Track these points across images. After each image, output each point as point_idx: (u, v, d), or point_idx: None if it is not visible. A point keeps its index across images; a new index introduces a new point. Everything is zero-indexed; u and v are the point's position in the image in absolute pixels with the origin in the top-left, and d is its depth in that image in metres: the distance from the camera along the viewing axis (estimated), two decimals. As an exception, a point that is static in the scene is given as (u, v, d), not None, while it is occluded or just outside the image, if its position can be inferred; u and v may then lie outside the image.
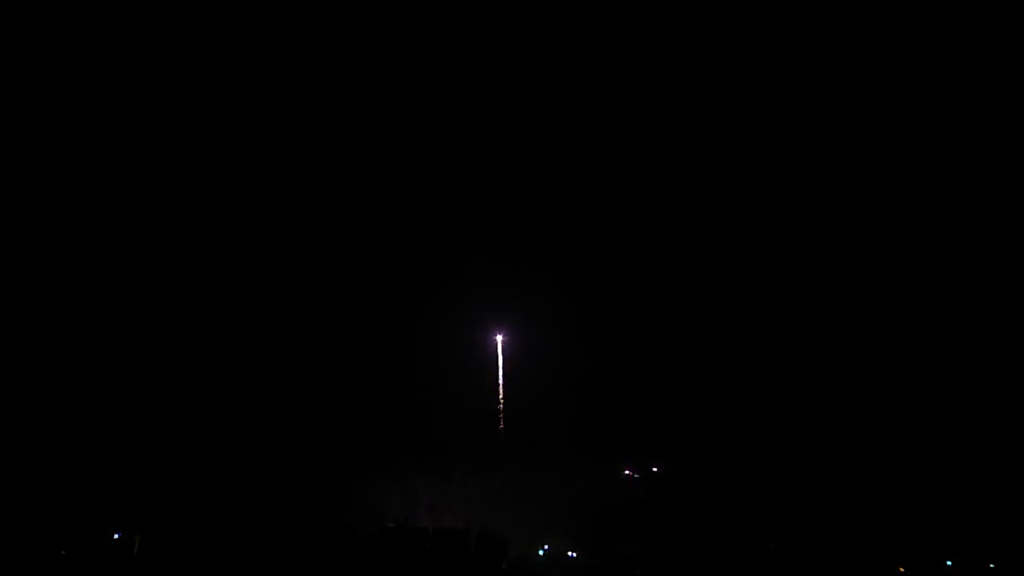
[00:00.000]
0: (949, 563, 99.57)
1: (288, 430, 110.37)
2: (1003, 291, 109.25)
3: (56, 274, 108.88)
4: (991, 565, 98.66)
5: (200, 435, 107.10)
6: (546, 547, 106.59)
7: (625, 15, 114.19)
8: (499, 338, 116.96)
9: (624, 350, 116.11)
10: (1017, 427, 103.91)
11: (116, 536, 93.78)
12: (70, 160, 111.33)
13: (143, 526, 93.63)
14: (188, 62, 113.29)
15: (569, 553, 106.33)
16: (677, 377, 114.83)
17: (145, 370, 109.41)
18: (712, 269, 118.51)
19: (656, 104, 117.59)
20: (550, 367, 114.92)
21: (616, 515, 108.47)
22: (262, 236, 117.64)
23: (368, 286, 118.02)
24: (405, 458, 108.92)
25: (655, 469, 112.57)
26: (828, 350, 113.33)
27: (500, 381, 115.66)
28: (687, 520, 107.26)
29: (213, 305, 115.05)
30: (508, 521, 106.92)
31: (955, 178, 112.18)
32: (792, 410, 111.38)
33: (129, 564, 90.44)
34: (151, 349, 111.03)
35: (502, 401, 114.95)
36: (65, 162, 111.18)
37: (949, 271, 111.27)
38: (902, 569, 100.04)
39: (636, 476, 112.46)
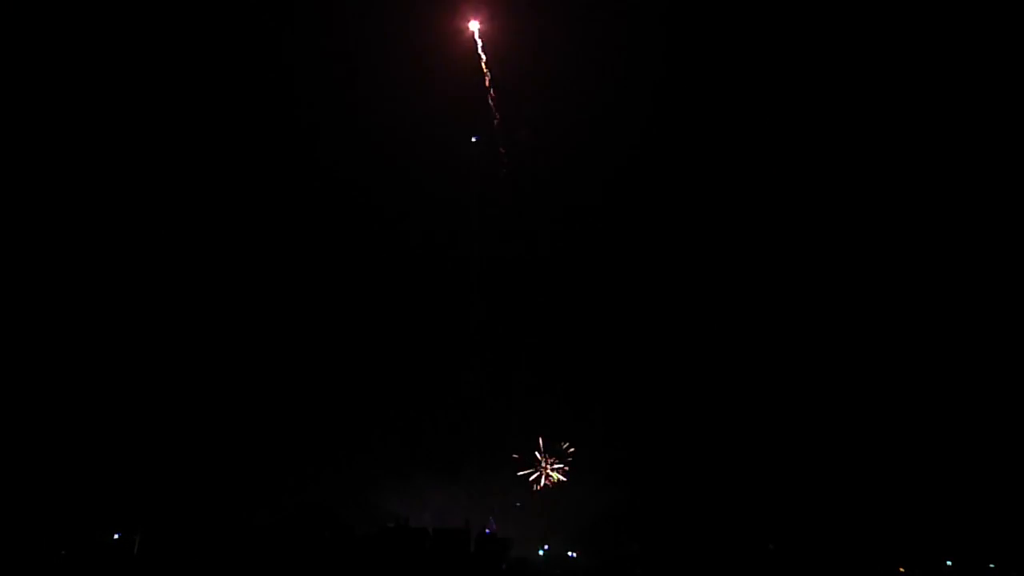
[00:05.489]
0: (949, 563, 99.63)
1: (288, 430, 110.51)
2: (1003, 292, 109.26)
3: (57, 275, 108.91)
4: (991, 565, 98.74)
5: (201, 435, 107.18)
6: (546, 547, 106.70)
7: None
8: None
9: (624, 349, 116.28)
10: (1017, 427, 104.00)
11: (116, 536, 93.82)
12: (70, 161, 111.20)
13: (143, 526, 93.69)
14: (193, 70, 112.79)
15: (569, 553, 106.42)
16: (678, 376, 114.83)
17: (146, 371, 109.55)
18: (711, 269, 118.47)
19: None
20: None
21: (616, 515, 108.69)
22: (266, 237, 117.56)
23: (373, 286, 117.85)
24: (412, 459, 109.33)
25: None
26: (828, 350, 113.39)
27: None
28: (687, 520, 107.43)
29: (216, 306, 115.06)
30: (510, 521, 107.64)
31: (955, 178, 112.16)
32: (792, 410, 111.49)
33: (129, 564, 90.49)
34: (152, 350, 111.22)
35: None
36: (65, 163, 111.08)
37: (949, 271, 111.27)
38: (902, 569, 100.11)
39: None
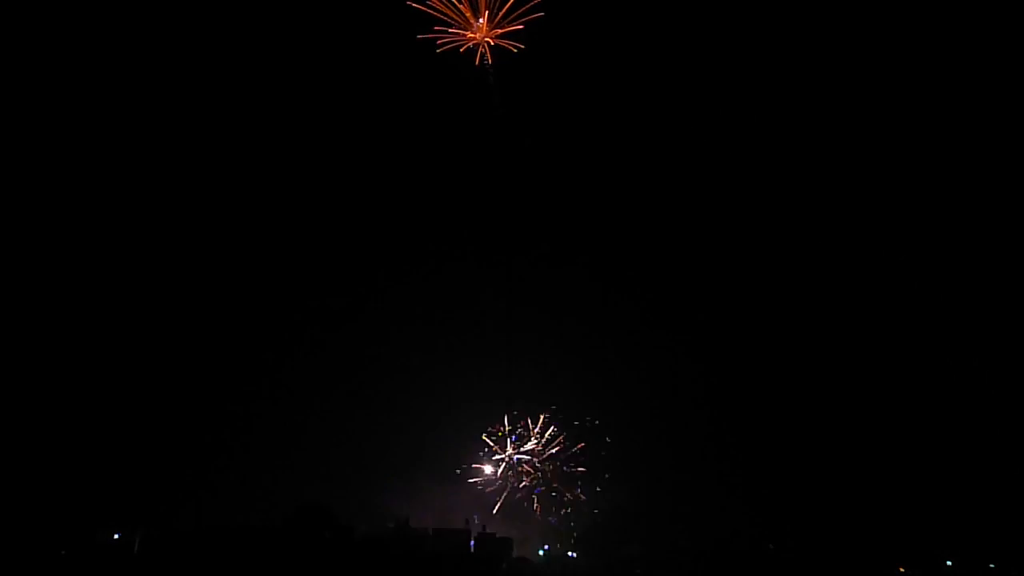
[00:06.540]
0: (949, 563, 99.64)
1: (289, 430, 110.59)
2: (1003, 291, 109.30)
3: (55, 275, 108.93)
4: (991, 565, 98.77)
5: (200, 435, 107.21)
6: (546, 547, 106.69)
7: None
8: None
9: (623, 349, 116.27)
10: (1017, 427, 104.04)
11: (116, 536, 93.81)
12: (69, 160, 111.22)
13: (143, 526, 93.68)
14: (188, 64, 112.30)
15: (569, 553, 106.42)
16: (678, 376, 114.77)
17: (145, 370, 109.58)
18: (709, 269, 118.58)
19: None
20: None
21: (617, 516, 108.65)
22: (260, 235, 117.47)
23: (374, 282, 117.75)
24: (413, 459, 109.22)
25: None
26: (828, 350, 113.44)
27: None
28: (688, 520, 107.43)
29: (213, 305, 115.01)
30: (510, 521, 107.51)
31: (955, 178, 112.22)
32: (792, 410, 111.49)
33: (129, 564, 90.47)
34: (151, 349, 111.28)
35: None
36: (64, 162, 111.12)
37: (949, 271, 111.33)
38: (902, 569, 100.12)
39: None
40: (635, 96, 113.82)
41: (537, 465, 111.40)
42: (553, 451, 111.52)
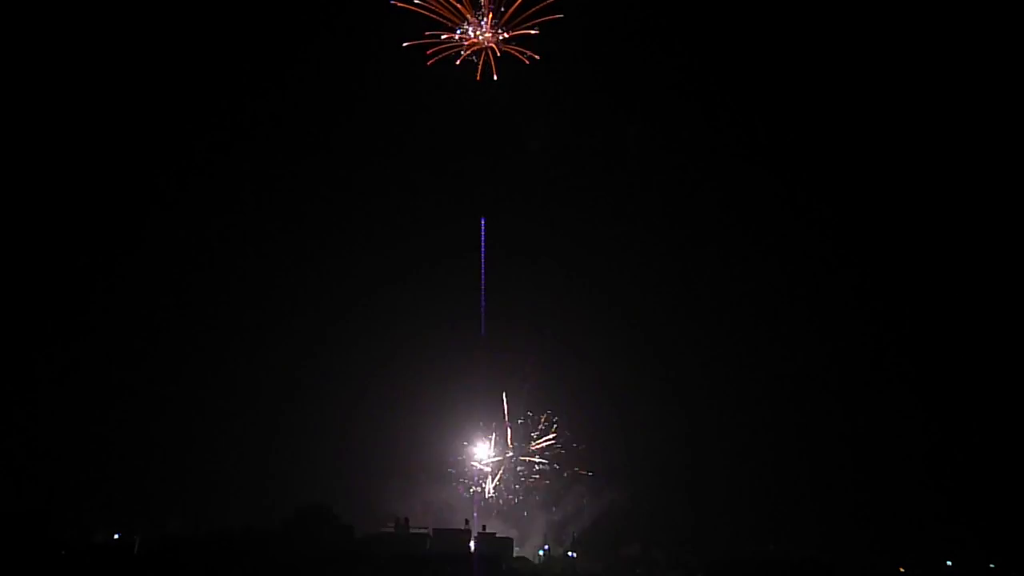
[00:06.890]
0: (949, 563, 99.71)
1: (288, 430, 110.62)
2: (1003, 291, 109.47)
3: (56, 275, 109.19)
4: (991, 565, 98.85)
5: (200, 435, 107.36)
6: (546, 547, 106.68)
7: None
8: None
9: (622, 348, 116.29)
10: (1017, 427, 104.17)
11: (116, 536, 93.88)
12: (69, 160, 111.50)
13: (143, 526, 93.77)
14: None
15: (569, 553, 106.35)
16: (679, 375, 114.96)
17: (145, 371, 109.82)
18: (710, 268, 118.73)
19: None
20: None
21: (616, 516, 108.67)
22: (260, 235, 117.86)
23: (374, 281, 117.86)
24: (413, 459, 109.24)
25: None
26: (827, 350, 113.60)
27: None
28: (688, 520, 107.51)
29: (212, 307, 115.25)
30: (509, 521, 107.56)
31: (955, 178, 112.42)
32: (792, 410, 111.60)
33: (129, 564, 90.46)
34: (151, 350, 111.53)
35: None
36: (64, 162, 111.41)
37: (949, 271, 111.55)
38: (902, 569, 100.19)
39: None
40: (645, 101, 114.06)
41: (538, 466, 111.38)
42: (554, 452, 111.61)
